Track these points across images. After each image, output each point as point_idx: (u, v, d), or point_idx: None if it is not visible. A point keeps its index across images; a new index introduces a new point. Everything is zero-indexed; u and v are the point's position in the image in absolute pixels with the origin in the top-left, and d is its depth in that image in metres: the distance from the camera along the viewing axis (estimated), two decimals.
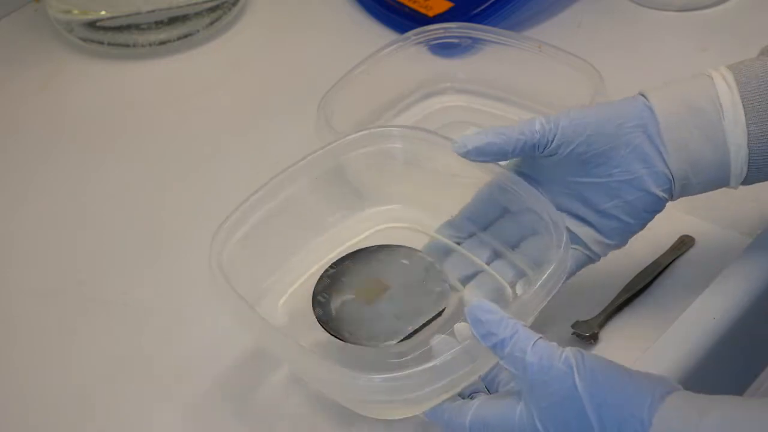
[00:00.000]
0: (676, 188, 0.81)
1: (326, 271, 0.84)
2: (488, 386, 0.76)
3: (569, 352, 0.70)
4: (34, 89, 1.14)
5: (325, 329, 0.81)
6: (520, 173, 0.83)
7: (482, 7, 1.12)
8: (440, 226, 0.86)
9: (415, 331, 0.80)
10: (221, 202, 1.00)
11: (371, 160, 0.87)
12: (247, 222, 0.83)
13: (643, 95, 0.81)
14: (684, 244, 0.92)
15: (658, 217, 0.83)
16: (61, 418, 0.85)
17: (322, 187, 0.87)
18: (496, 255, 0.85)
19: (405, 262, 0.85)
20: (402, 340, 0.80)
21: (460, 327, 0.78)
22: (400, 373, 0.72)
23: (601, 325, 0.87)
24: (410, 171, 0.88)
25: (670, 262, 0.91)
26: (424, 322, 0.81)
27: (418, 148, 0.87)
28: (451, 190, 0.86)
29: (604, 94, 0.96)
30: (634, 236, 0.84)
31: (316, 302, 0.82)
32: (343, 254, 0.85)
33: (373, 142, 0.87)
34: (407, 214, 0.89)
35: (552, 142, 0.79)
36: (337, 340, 0.80)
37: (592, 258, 0.83)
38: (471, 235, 0.85)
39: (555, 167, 0.81)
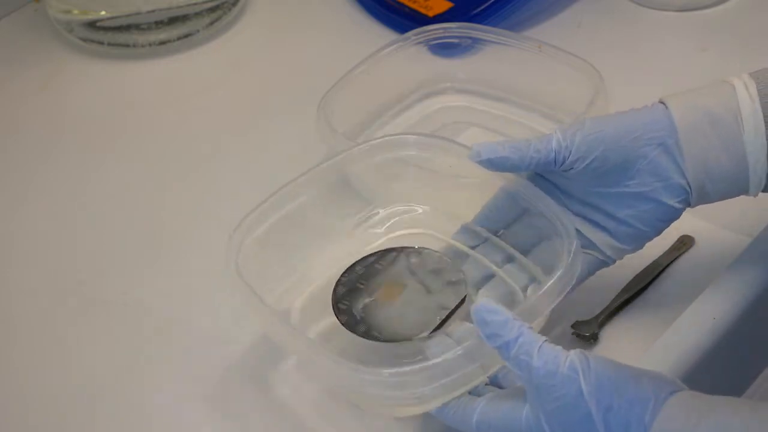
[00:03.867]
0: (694, 197, 0.80)
1: (339, 279, 0.84)
2: (500, 381, 0.76)
3: (575, 357, 0.70)
4: (34, 89, 1.14)
5: (355, 334, 0.81)
6: (536, 177, 0.83)
7: (482, 7, 1.12)
8: (456, 231, 0.86)
9: (443, 321, 0.80)
10: (221, 202, 1.00)
11: (385, 168, 0.88)
12: (262, 224, 0.84)
13: (663, 103, 0.81)
14: (684, 244, 0.92)
15: None
16: (61, 418, 0.85)
17: (335, 195, 0.87)
18: (509, 259, 0.85)
19: (414, 260, 0.85)
20: (432, 332, 0.80)
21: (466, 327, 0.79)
22: (409, 368, 0.72)
23: (601, 325, 0.87)
24: (424, 178, 0.88)
25: (670, 262, 0.91)
26: (450, 311, 0.81)
27: (431, 155, 0.87)
28: (463, 195, 0.86)
29: (604, 94, 0.96)
30: None
31: (337, 311, 0.82)
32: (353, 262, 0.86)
33: (386, 150, 0.87)
34: (422, 220, 0.89)
35: (567, 158, 0.79)
36: (363, 340, 0.80)
37: (606, 262, 0.83)
38: (485, 240, 0.85)
39: (570, 177, 0.81)
